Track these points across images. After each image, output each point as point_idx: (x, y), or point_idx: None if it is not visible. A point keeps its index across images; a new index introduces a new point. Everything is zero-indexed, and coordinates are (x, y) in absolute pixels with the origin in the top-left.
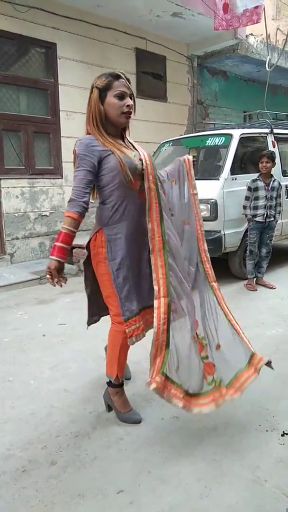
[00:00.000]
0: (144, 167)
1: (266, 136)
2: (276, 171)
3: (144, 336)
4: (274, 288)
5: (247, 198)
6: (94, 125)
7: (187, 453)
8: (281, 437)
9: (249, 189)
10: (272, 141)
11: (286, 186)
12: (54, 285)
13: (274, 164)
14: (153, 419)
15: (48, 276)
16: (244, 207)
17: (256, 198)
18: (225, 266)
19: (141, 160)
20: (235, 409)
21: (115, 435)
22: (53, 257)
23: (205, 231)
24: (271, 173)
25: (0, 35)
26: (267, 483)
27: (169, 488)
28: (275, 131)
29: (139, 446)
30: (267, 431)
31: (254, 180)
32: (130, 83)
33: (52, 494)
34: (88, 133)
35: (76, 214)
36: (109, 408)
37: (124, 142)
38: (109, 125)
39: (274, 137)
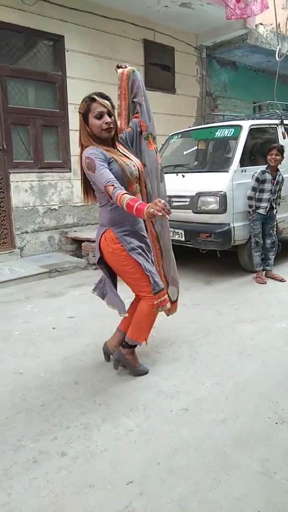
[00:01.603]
0: (139, 173)
1: (276, 127)
2: (287, 162)
3: (168, 307)
4: (284, 281)
5: (253, 189)
6: (89, 141)
7: (196, 445)
8: None
9: (257, 180)
10: (282, 132)
11: None
12: (169, 213)
13: (282, 157)
14: (162, 411)
15: (162, 206)
16: (250, 198)
17: (262, 191)
18: (235, 259)
19: (134, 166)
20: (244, 402)
21: (125, 427)
22: (148, 205)
23: (214, 224)
24: (278, 166)
25: (8, 28)
26: (276, 475)
27: (179, 480)
28: (285, 122)
29: (149, 438)
30: (276, 423)
31: (263, 172)
32: (109, 100)
33: (62, 484)
34: (85, 148)
35: (127, 192)
36: (116, 366)
37: (117, 151)
38: (99, 140)
39: (285, 128)
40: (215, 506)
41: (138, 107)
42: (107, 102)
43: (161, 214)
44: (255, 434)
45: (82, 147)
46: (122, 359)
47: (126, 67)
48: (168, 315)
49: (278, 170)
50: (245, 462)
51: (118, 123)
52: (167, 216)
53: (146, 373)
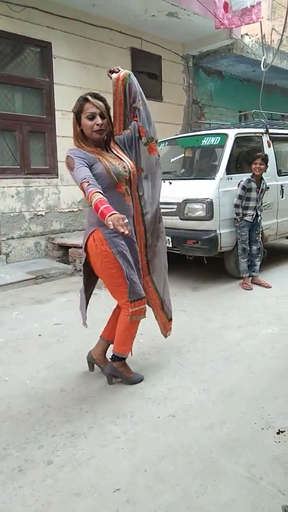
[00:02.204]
0: (131, 175)
1: (261, 136)
2: (272, 170)
3: (144, 316)
4: (270, 287)
5: (239, 197)
6: (78, 141)
7: (183, 451)
8: (277, 435)
9: (243, 188)
10: (267, 140)
11: (281, 186)
12: (125, 232)
13: (266, 166)
14: (149, 418)
15: (122, 222)
16: (237, 206)
17: (248, 199)
18: (221, 265)
19: (124, 168)
20: (231, 407)
21: (112, 434)
22: (114, 212)
23: (201, 230)
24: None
25: None
26: (263, 481)
27: (166, 487)
28: (271, 130)
29: (136, 444)
30: (262, 429)
31: (249, 181)
32: (104, 101)
33: (48, 493)
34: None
35: (100, 191)
36: (111, 380)
37: (108, 153)
38: (90, 141)
39: (270, 136)
40: None
41: (136, 112)
42: (100, 103)
43: (114, 229)
44: (242, 439)
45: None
46: (115, 373)
47: (119, 70)
48: (166, 336)
49: (262, 178)
50: (232, 467)
51: (114, 128)
52: (122, 232)
53: (141, 381)
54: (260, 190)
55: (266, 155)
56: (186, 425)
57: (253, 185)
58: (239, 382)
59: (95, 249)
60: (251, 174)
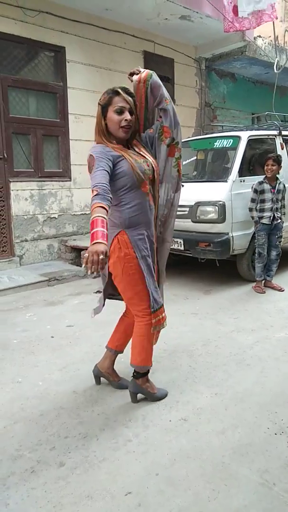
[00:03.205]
0: (154, 174)
1: (274, 138)
2: (286, 173)
3: (165, 326)
4: (283, 291)
5: (253, 200)
6: (101, 136)
7: (195, 455)
8: None
9: (255, 191)
10: (280, 143)
11: None
12: (97, 271)
13: (280, 167)
14: (161, 421)
15: (96, 258)
16: (250, 209)
17: (263, 201)
18: (234, 268)
19: (148, 166)
20: (243, 412)
21: (123, 437)
22: (101, 241)
23: (213, 233)
24: (277, 175)
25: (10, 39)
26: (276, 487)
27: (177, 491)
28: (284, 133)
29: (147, 448)
30: (275, 434)
31: (260, 183)
32: (134, 97)
33: (60, 495)
34: (98, 143)
35: (107, 206)
36: (135, 399)
37: (130, 150)
38: (113, 137)
39: (283, 139)
40: None
41: (162, 113)
42: (130, 98)
43: (84, 262)
44: (254, 444)
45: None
46: (140, 391)
47: (140, 71)
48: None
49: (277, 179)
50: (244, 473)
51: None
52: (89, 271)
53: (166, 396)
54: (276, 191)
55: (278, 156)
56: (198, 429)
57: (266, 186)
58: (251, 387)
59: (118, 252)
60: (263, 176)
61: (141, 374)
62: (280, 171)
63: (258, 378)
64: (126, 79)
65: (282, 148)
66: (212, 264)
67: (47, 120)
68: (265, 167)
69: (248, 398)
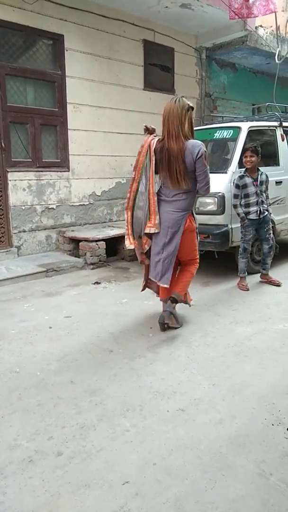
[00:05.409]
0: None
1: (275, 129)
2: (285, 164)
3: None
4: (280, 285)
5: (235, 197)
6: (191, 135)
7: (192, 445)
8: (287, 431)
9: (237, 186)
10: (281, 134)
11: None
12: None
13: (259, 157)
14: (158, 411)
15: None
16: (235, 206)
17: (246, 196)
18: (232, 260)
19: None
20: (241, 403)
21: (121, 426)
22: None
23: (212, 225)
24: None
25: (8, 27)
26: (273, 477)
27: (174, 480)
28: (285, 124)
29: (145, 438)
30: (273, 425)
31: (241, 177)
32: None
33: (58, 484)
34: (187, 139)
35: None
36: (163, 327)
37: None
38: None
39: (284, 130)
40: (211, 507)
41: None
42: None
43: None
44: (252, 435)
45: (185, 137)
46: (173, 312)
47: (151, 130)
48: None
49: (258, 170)
50: (241, 463)
51: (133, 174)
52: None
53: (181, 326)
54: (259, 183)
55: (255, 146)
56: (196, 419)
57: (248, 179)
58: (249, 378)
59: (192, 227)
60: (244, 169)
61: (176, 300)
62: (280, 163)
63: (256, 369)
64: (124, 68)
65: (283, 140)
66: (211, 256)
67: (45, 109)
68: (244, 159)
69: (245, 389)
